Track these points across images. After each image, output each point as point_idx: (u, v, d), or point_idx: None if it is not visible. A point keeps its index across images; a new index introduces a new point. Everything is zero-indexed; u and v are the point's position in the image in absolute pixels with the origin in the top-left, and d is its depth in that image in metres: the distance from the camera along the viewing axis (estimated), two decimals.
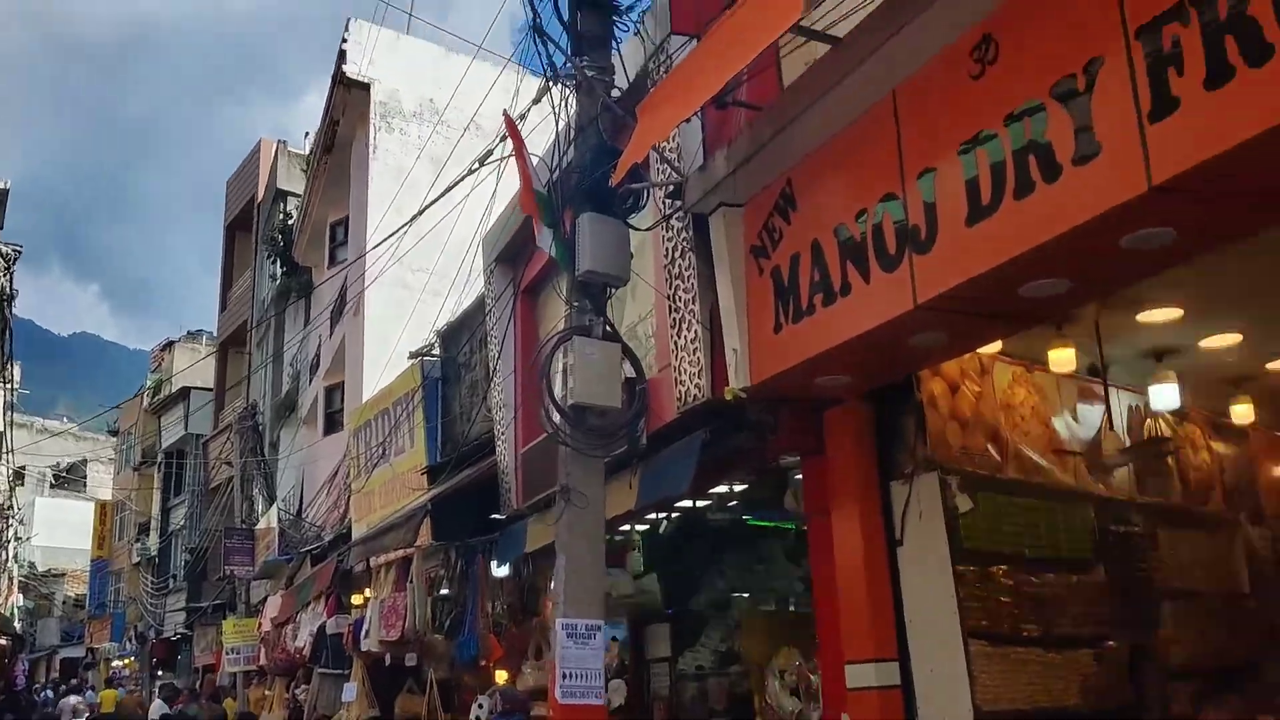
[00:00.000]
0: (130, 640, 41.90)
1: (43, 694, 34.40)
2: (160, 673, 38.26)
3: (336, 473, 16.48)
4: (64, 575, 53.18)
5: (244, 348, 32.09)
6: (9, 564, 33.73)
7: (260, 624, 21.13)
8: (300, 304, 27.88)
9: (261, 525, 22.99)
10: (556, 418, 5.73)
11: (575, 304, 6.01)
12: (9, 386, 26.21)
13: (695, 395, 6.15)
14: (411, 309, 16.42)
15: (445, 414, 11.88)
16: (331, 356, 21.37)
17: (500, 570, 9.78)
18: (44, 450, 49.75)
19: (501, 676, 9.71)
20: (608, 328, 6.03)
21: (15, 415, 27.90)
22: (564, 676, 5.40)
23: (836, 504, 5.93)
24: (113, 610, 44.49)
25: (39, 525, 43.98)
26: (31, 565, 46.13)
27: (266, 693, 22.67)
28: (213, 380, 34.54)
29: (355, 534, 13.15)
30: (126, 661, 42.92)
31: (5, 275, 22.18)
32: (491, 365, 9.52)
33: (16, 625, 36.03)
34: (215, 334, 37.11)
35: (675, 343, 6.36)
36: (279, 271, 28.90)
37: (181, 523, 36.10)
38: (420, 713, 10.72)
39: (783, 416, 6.22)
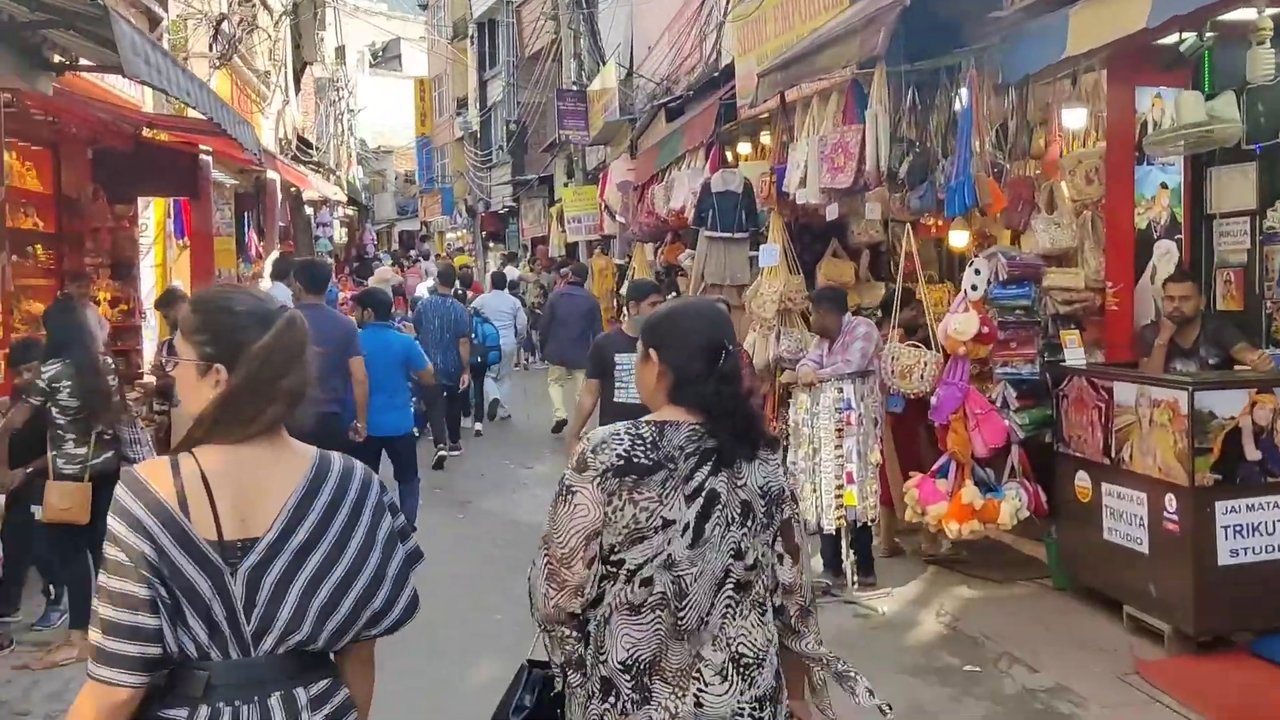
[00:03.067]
0: (460, 214, 43.10)
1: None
2: (490, 245, 39.26)
3: (700, 5, 13.83)
4: (392, 152, 55.15)
5: None
6: (345, 136, 34.18)
7: (601, 191, 19.80)
8: None
9: (595, 86, 21.07)
10: None
11: None
12: None
13: None
14: None
15: None
16: None
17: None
18: (358, 32, 49.79)
19: (961, 238, 7.34)
20: None
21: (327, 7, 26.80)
22: None
23: None
24: (441, 185, 45.68)
25: (363, 103, 44.69)
26: (362, 142, 47.60)
27: (615, 261, 21.93)
28: None
29: (741, 71, 10.69)
30: (459, 234, 44.51)
31: None
32: None
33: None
34: None
35: None
36: None
37: (499, 95, 35.16)
38: (849, 281, 8.63)
39: None
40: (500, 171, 35.86)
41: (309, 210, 24.70)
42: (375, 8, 61.41)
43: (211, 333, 2.10)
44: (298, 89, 24.79)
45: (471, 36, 37.99)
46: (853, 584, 6.60)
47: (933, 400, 6.59)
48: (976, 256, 6.56)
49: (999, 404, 6.43)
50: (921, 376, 6.62)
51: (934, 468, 6.64)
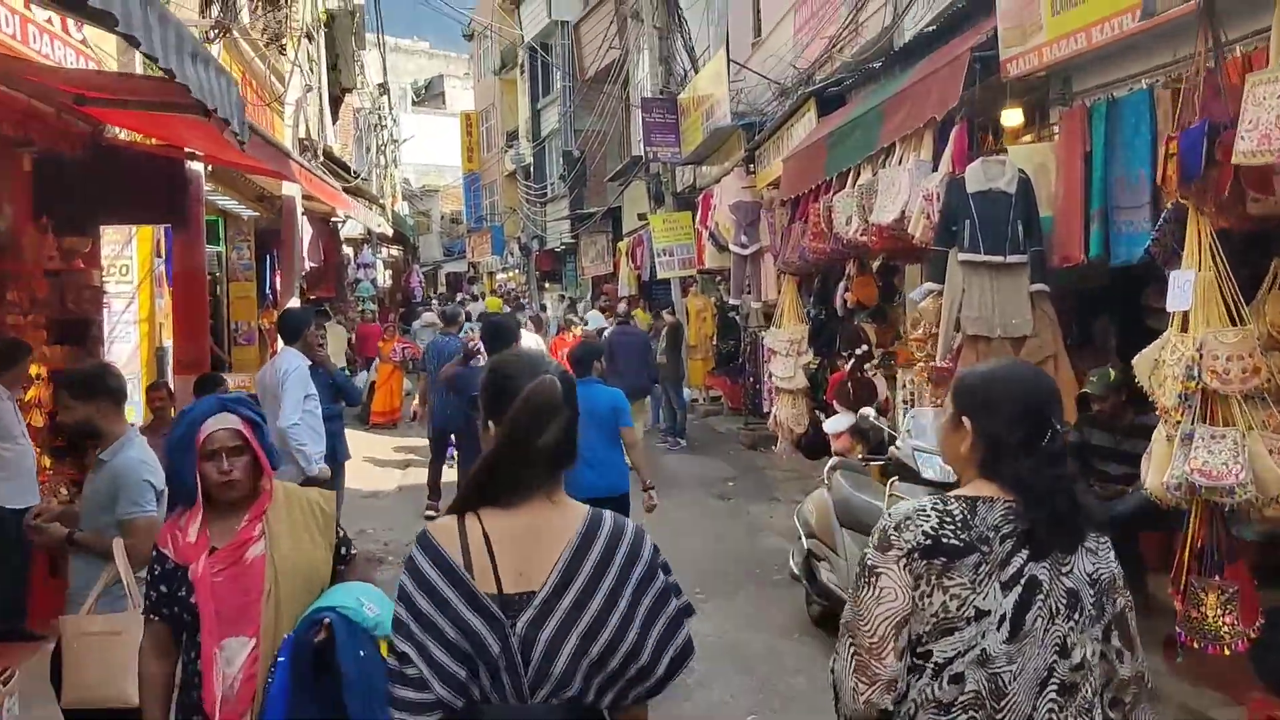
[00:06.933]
0: (512, 253, 39.78)
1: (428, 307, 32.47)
2: (546, 285, 35.78)
3: None
4: (437, 191, 52.04)
5: None
6: (389, 168, 30.76)
7: (703, 217, 16.11)
8: None
9: (685, 95, 17.43)
10: None
11: None
12: None
13: None
14: None
15: None
16: None
17: None
18: (399, 68, 46.87)
19: None
20: None
21: (366, 33, 23.28)
22: None
23: None
24: (490, 224, 42.48)
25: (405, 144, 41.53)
26: (405, 182, 44.48)
27: (707, 301, 18.18)
28: None
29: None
30: (510, 275, 41.03)
31: None
32: None
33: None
34: None
35: None
36: None
37: (555, 124, 31.77)
38: None
39: None
40: (556, 206, 32.52)
41: (347, 250, 21.20)
42: (416, 46, 58.72)
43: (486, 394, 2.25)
44: (334, 117, 21.37)
45: (522, 65, 34.93)
46: None
47: None
48: None
49: None
50: None
51: None
